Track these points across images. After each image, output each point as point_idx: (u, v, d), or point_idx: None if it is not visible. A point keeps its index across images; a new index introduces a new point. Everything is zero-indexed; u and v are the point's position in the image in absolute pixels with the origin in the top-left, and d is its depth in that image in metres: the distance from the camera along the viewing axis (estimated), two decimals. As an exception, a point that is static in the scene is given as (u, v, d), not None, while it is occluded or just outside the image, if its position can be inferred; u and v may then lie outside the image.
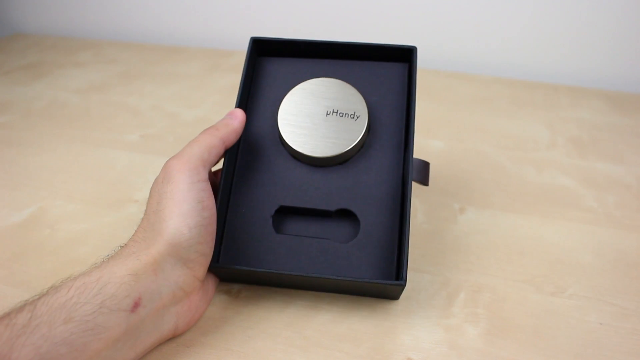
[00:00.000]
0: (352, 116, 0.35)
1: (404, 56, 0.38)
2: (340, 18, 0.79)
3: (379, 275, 0.33)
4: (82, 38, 0.94)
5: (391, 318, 0.33)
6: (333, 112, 0.35)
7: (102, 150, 0.54)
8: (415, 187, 0.45)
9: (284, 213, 0.36)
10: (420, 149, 0.53)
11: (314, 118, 0.35)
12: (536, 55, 0.75)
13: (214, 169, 0.36)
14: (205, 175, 0.31)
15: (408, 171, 0.33)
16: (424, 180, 0.36)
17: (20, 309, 0.24)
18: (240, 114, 0.34)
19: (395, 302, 0.35)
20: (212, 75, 0.75)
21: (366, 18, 0.78)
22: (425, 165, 0.36)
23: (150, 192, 0.31)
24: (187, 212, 0.29)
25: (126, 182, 0.48)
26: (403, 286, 0.31)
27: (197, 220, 0.29)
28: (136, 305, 0.26)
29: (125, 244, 0.30)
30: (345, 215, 0.35)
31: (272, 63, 0.40)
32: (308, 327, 0.33)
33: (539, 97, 0.67)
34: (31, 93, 0.69)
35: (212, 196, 0.31)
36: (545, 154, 0.54)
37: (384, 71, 0.39)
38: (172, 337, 0.31)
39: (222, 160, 0.35)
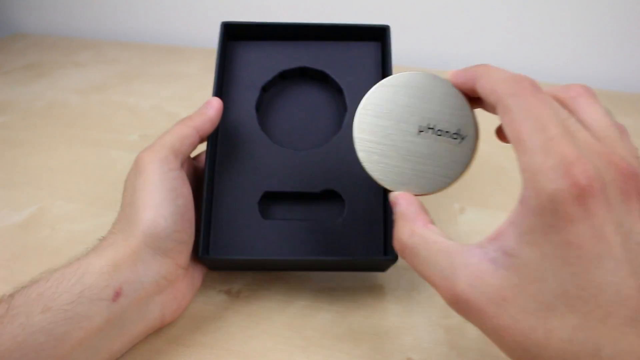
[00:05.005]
0: (454, 136, 0.26)
1: (378, 35, 0.38)
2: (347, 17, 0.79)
3: (367, 250, 0.34)
4: (82, 38, 0.94)
5: (391, 318, 0.33)
6: (428, 128, 0.26)
7: (102, 150, 0.54)
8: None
9: (270, 199, 0.36)
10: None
11: (402, 135, 0.27)
12: (537, 55, 0.75)
13: (192, 154, 0.36)
14: (177, 165, 0.31)
15: None
16: None
17: None
18: (216, 103, 0.34)
19: (396, 302, 0.35)
20: (212, 75, 0.75)
21: (364, 17, 0.78)
22: None
23: (124, 185, 0.31)
24: (161, 202, 0.29)
25: (126, 182, 0.48)
26: (394, 260, 0.32)
27: (171, 209, 0.29)
28: (117, 295, 0.26)
29: (103, 237, 0.30)
30: (331, 196, 0.36)
31: (245, 47, 0.40)
32: (308, 327, 0.33)
33: (539, 97, 0.67)
34: (31, 93, 0.69)
35: (187, 184, 0.31)
36: (546, 154, 0.54)
37: (358, 51, 0.39)
38: (161, 327, 0.31)
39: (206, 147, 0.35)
